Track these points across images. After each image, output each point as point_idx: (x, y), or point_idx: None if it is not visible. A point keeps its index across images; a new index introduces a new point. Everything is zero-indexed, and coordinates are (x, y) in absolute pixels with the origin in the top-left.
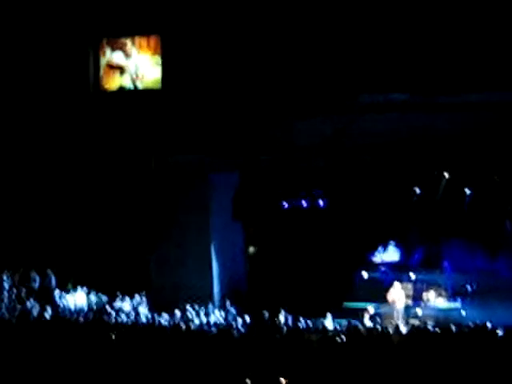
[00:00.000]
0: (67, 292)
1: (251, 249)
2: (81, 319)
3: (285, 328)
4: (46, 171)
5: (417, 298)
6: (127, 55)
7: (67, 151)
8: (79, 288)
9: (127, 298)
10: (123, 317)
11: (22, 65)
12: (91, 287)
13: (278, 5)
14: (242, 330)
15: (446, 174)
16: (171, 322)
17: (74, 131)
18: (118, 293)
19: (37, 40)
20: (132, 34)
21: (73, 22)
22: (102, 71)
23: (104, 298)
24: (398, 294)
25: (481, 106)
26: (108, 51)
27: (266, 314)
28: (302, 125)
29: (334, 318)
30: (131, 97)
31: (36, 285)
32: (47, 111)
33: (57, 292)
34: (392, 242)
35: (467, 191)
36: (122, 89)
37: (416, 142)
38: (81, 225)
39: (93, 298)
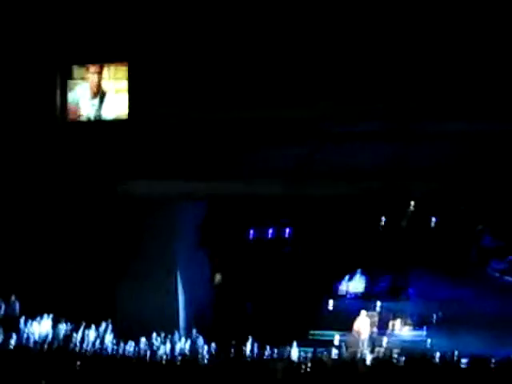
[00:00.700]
0: (32, 319)
1: (217, 277)
2: (44, 348)
3: (251, 357)
4: (11, 198)
5: (382, 327)
6: (95, 84)
7: (33, 179)
8: (44, 315)
9: (93, 326)
10: (88, 345)
11: None
12: (57, 314)
13: (245, 31)
14: (208, 358)
15: (412, 203)
16: (136, 351)
17: (40, 159)
18: (83, 321)
19: (5, 65)
20: (100, 61)
21: (41, 48)
22: (69, 99)
23: (69, 326)
24: (363, 323)
25: (453, 135)
26: (76, 79)
27: (232, 343)
28: (268, 152)
29: (299, 346)
30: (98, 125)
31: (0, 312)
32: (14, 138)
33: (21, 319)
34: (358, 271)
35: (433, 220)
36: (88, 118)
37: (384, 172)
38: (47, 252)
39: (58, 325)
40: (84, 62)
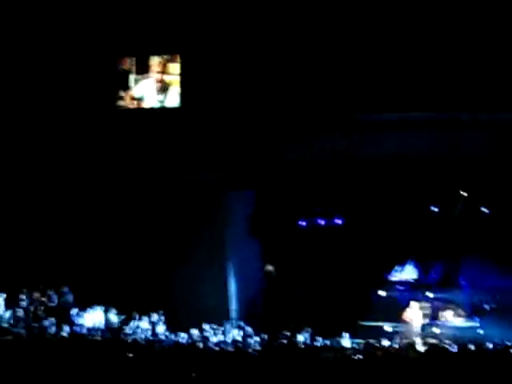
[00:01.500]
0: (85, 310)
1: (268, 267)
2: (97, 337)
3: (302, 346)
4: (64, 187)
5: (434, 317)
6: (147, 74)
7: (88, 167)
8: (96, 306)
9: (145, 317)
10: (140, 335)
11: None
12: (109, 305)
13: (283, 24)
14: (259, 348)
15: (464, 193)
16: (188, 341)
17: (94, 146)
18: (135, 311)
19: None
20: (153, 53)
21: (97, 39)
22: (123, 89)
23: (121, 317)
24: (415, 313)
25: (496, 124)
26: (131, 69)
27: (283, 333)
28: (317, 142)
29: (351, 337)
30: (151, 115)
31: (54, 303)
32: (71, 124)
33: (74, 310)
34: (409, 261)
35: (484, 209)
36: (142, 107)
37: (434, 160)
38: (100, 243)
39: (110, 316)
40: (145, 54)
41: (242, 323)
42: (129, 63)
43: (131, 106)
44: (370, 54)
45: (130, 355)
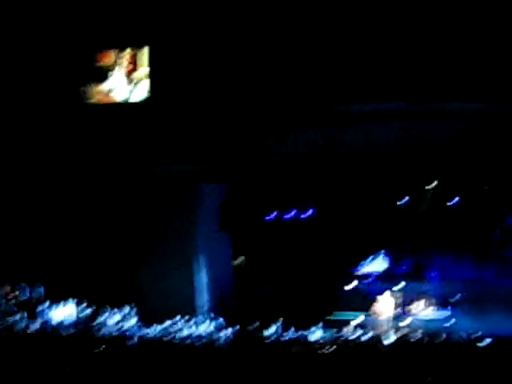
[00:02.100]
0: (56, 304)
1: (238, 259)
2: (67, 332)
3: (272, 339)
4: (33, 180)
5: (405, 309)
6: (116, 68)
7: (54, 161)
8: (67, 300)
9: (116, 310)
10: (111, 329)
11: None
12: (80, 298)
13: (266, 15)
14: (229, 340)
15: (434, 183)
16: (158, 334)
17: (64, 142)
18: (107, 304)
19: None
20: (122, 46)
21: (66, 32)
22: (91, 83)
23: (92, 310)
24: (386, 304)
25: (474, 114)
26: (100, 63)
27: (254, 325)
28: (292, 135)
29: (322, 328)
30: (121, 109)
31: (25, 297)
32: (39, 119)
33: (45, 304)
34: (380, 252)
35: (455, 200)
36: (112, 102)
37: (406, 151)
38: (69, 236)
39: (80, 309)
40: (111, 47)
41: (213, 315)
42: (98, 57)
43: (102, 100)
44: (344, 48)
45: (101, 349)
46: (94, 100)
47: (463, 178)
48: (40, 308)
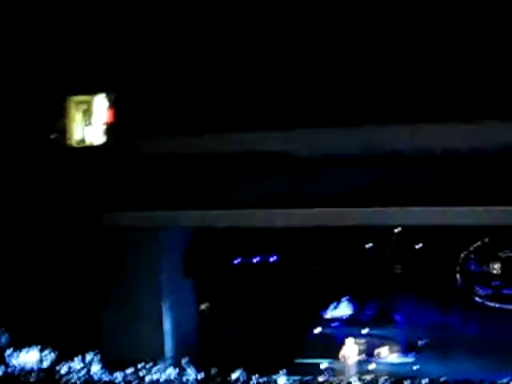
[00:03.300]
0: (19, 350)
1: (203, 305)
2: (32, 378)
3: None
4: None
5: (369, 354)
6: (89, 113)
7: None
8: (31, 346)
9: (79, 356)
10: (74, 376)
11: None
12: (43, 344)
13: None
14: None
15: (397, 230)
16: (123, 381)
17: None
18: (70, 351)
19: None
20: (91, 92)
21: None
22: (66, 126)
23: (56, 356)
24: (350, 350)
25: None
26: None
27: (218, 371)
28: (252, 183)
29: (287, 374)
30: (89, 152)
31: None
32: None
33: (8, 350)
34: (344, 298)
35: (418, 246)
36: (78, 142)
37: (368, 198)
38: (33, 283)
39: (44, 355)
40: (77, 93)
41: (178, 361)
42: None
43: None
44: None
45: None
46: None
47: (426, 224)
48: (3, 354)
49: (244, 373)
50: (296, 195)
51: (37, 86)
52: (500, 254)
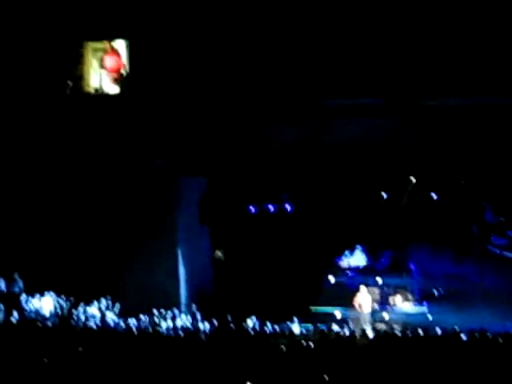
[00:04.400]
0: (34, 297)
1: (218, 253)
2: (48, 323)
3: (252, 332)
4: (13, 174)
5: (384, 303)
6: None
7: (37, 154)
8: (46, 292)
9: (95, 302)
10: (91, 322)
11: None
12: (59, 290)
13: (244, 12)
14: (209, 334)
15: (413, 179)
16: (138, 327)
17: (53, 132)
18: (86, 297)
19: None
20: (108, 38)
21: (54, 24)
22: (83, 74)
23: (71, 303)
24: (364, 299)
25: (452, 110)
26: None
27: (232, 318)
28: (272, 129)
29: (300, 322)
30: (106, 100)
31: (3, 289)
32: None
33: (24, 296)
34: (358, 247)
35: (434, 196)
36: (100, 92)
37: (384, 147)
38: (50, 229)
39: (60, 302)
40: (94, 39)
41: (192, 308)
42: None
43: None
44: (325, 46)
45: (81, 341)
46: (84, 90)
47: (442, 173)
48: (19, 300)
49: (258, 321)
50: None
51: (52, 32)
52: None
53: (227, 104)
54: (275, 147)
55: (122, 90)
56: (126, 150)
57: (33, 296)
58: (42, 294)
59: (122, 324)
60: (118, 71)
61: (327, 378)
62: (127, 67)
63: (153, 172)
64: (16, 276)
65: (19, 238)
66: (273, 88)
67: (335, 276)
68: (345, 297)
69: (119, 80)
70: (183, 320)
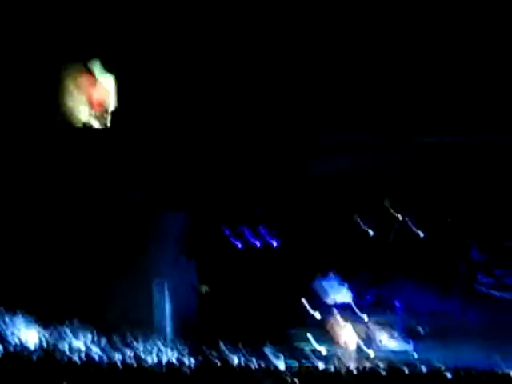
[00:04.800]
0: (18, 329)
1: (204, 287)
2: (33, 357)
3: (236, 368)
4: None
5: (368, 339)
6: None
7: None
8: (30, 324)
9: (79, 335)
10: (75, 355)
11: None
12: (40, 322)
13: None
14: (193, 368)
15: (399, 216)
16: (123, 361)
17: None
18: (68, 328)
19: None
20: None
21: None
22: (69, 106)
23: (55, 334)
24: (349, 335)
25: (439, 147)
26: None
27: (217, 353)
28: (254, 163)
29: (285, 358)
30: (87, 134)
31: None
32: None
33: (8, 328)
34: (344, 283)
35: (420, 232)
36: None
37: (370, 182)
38: (25, 260)
39: (45, 334)
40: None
41: (177, 341)
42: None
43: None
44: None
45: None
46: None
47: (429, 210)
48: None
49: (243, 356)
50: None
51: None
52: (504, 243)
53: (207, 137)
54: (256, 181)
55: (103, 124)
56: (110, 183)
57: (16, 326)
58: (25, 324)
59: (105, 358)
60: (101, 106)
61: None
62: (110, 102)
63: (132, 205)
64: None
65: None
66: (255, 121)
67: (320, 313)
68: (329, 333)
69: (102, 114)
70: (168, 353)
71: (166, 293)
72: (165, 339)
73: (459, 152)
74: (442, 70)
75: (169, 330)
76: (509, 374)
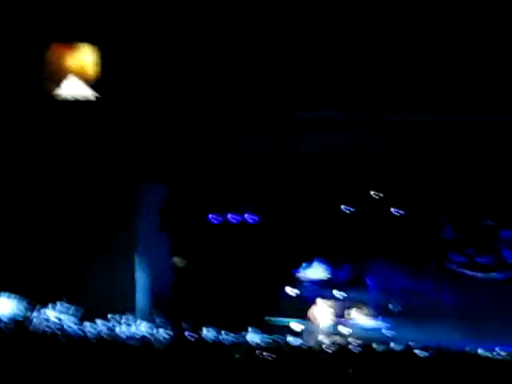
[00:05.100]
0: None
1: (178, 260)
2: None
3: (208, 341)
4: None
5: (340, 316)
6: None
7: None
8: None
9: (53, 305)
10: (46, 326)
11: None
12: (16, 292)
13: (215, 23)
14: (165, 341)
15: (374, 193)
16: (95, 333)
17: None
18: (43, 300)
19: None
20: (77, 40)
21: (26, 26)
22: (52, 78)
23: (28, 306)
24: (321, 312)
25: (415, 125)
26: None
27: (189, 327)
28: (236, 138)
29: (256, 332)
30: (66, 106)
31: None
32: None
33: None
34: (317, 259)
35: (394, 211)
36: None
37: (345, 160)
38: (3, 229)
39: (17, 304)
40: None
41: (150, 315)
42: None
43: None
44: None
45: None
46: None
47: (404, 188)
48: None
49: (214, 330)
50: None
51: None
52: (477, 222)
53: (192, 111)
54: (238, 156)
55: (84, 96)
56: (88, 155)
57: None
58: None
59: (78, 329)
60: (83, 77)
61: None
62: (95, 71)
63: (113, 177)
64: None
65: None
66: (237, 97)
67: (292, 287)
68: (302, 309)
69: (84, 86)
70: (140, 326)
71: (146, 266)
72: (142, 313)
73: (432, 131)
74: (424, 45)
75: (146, 303)
76: (479, 353)
